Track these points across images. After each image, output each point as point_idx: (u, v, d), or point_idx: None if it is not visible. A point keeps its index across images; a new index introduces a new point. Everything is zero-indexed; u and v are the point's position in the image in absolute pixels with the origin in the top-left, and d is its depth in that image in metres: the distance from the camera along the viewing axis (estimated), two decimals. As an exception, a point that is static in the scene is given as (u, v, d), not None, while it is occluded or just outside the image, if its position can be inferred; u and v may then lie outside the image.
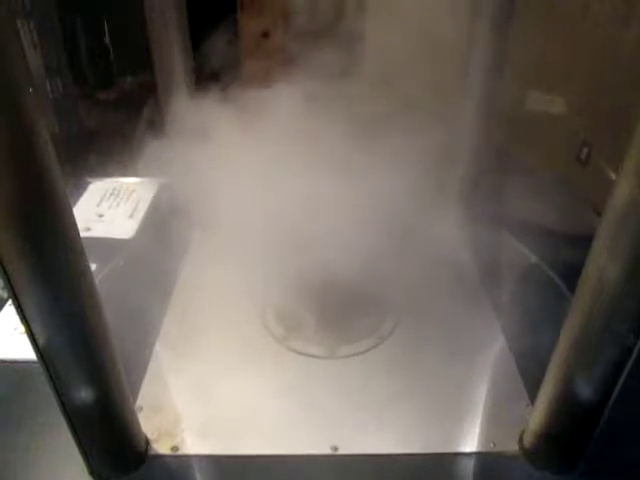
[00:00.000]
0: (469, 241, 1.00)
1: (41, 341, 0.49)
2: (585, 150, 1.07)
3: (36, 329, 0.48)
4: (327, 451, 0.66)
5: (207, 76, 1.17)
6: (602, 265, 0.49)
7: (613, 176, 0.43)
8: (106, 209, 1.13)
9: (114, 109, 1.76)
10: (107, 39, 1.93)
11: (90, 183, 1.21)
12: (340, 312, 0.86)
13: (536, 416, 0.63)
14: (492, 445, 0.67)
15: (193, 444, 0.67)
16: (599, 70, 1.00)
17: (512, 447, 0.66)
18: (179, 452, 0.66)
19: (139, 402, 0.72)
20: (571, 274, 0.56)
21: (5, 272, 0.44)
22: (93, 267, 0.90)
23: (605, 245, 0.48)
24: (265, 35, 1.60)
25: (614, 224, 0.47)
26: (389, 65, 1.10)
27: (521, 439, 0.66)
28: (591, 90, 1.02)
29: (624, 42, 0.94)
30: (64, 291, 0.48)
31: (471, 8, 0.91)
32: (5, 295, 0.86)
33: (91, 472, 0.61)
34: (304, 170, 0.92)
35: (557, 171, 1.04)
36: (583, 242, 0.52)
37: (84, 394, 0.54)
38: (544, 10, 1.02)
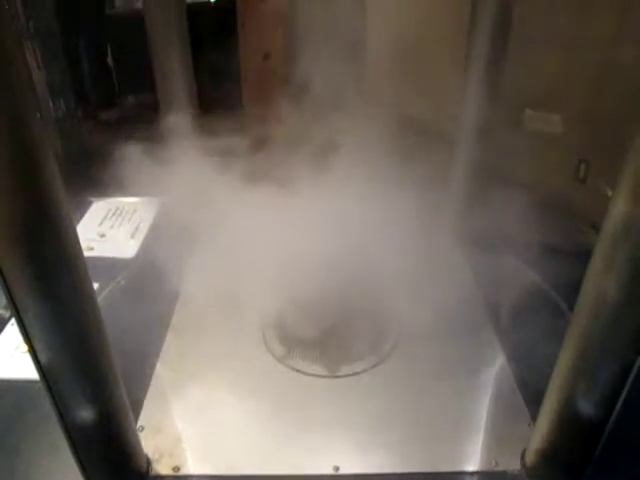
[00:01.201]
0: (468, 260, 1.00)
1: (43, 359, 0.49)
2: (583, 167, 1.08)
3: (38, 347, 0.48)
4: (329, 471, 0.66)
5: (209, 97, 1.18)
6: (600, 282, 0.49)
7: (610, 193, 0.44)
8: (108, 228, 1.14)
9: (116, 129, 1.77)
10: (109, 60, 1.96)
11: (92, 202, 1.22)
12: (340, 331, 0.86)
13: (537, 434, 0.63)
14: (494, 463, 0.67)
15: (194, 464, 0.67)
16: (597, 88, 1.01)
17: (514, 465, 0.66)
18: (180, 472, 0.66)
19: (140, 422, 0.72)
20: (570, 291, 0.57)
21: (8, 290, 0.45)
22: (95, 286, 0.91)
23: (603, 262, 0.49)
24: (266, 57, 1.62)
25: (611, 241, 0.47)
26: (387, 82, 1.12)
27: (523, 457, 0.66)
28: (589, 108, 1.03)
29: (622, 60, 0.95)
30: (67, 309, 0.48)
31: (469, 26, 0.92)
32: (7, 314, 0.87)
33: (92, 492, 0.60)
34: (304, 189, 0.93)
35: (555, 189, 1.05)
36: (582, 259, 0.52)
37: (85, 413, 0.54)
38: (542, 28, 1.03)
